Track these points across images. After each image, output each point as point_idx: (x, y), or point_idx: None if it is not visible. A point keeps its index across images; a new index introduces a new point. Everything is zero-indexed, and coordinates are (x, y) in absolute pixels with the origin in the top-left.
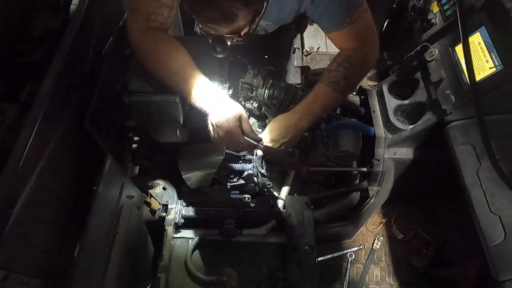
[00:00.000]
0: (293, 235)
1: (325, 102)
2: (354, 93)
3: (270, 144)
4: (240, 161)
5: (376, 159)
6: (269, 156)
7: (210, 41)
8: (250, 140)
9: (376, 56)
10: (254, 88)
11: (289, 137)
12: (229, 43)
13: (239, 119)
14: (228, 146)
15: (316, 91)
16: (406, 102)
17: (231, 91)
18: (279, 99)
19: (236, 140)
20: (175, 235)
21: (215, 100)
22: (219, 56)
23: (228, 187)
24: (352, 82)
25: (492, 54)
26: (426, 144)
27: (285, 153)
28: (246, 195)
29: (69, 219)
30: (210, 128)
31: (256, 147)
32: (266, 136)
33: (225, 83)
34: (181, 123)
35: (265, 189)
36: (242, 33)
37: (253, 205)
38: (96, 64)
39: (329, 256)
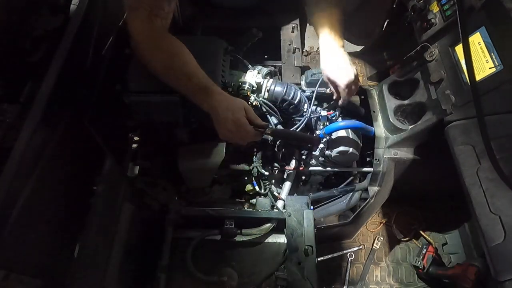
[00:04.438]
0: (293, 235)
1: (340, 21)
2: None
3: (336, 73)
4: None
5: (376, 159)
6: (279, 137)
7: None
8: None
9: None
10: (254, 88)
11: (341, 52)
12: None
13: (243, 109)
14: (237, 140)
15: (322, 21)
16: (406, 102)
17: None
18: (279, 99)
19: (244, 129)
20: (175, 235)
21: (217, 98)
22: None
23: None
24: None
25: (492, 54)
26: (426, 144)
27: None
28: (246, 195)
29: (69, 219)
30: (217, 125)
31: (263, 133)
32: (327, 70)
33: (225, 83)
34: (181, 123)
35: (265, 189)
36: None
37: (253, 205)
38: (96, 64)
39: (329, 256)
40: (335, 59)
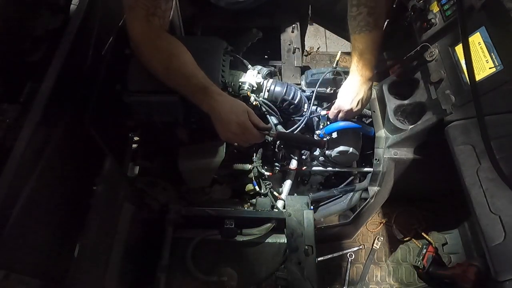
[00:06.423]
0: (293, 235)
1: (372, 47)
2: None
3: (349, 106)
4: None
5: (376, 159)
6: (283, 140)
7: None
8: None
9: None
10: (254, 88)
11: (362, 90)
12: None
13: (247, 112)
14: (239, 142)
15: (356, 45)
16: (406, 102)
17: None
18: (279, 99)
19: (249, 132)
20: (175, 235)
21: (217, 99)
22: None
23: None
24: (379, 11)
25: (492, 54)
26: (426, 144)
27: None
28: (246, 196)
29: (69, 219)
30: (219, 127)
31: (267, 135)
32: (342, 102)
33: (225, 83)
34: (181, 123)
35: (265, 189)
36: None
37: (253, 205)
38: (96, 64)
39: (329, 256)
40: (352, 91)
